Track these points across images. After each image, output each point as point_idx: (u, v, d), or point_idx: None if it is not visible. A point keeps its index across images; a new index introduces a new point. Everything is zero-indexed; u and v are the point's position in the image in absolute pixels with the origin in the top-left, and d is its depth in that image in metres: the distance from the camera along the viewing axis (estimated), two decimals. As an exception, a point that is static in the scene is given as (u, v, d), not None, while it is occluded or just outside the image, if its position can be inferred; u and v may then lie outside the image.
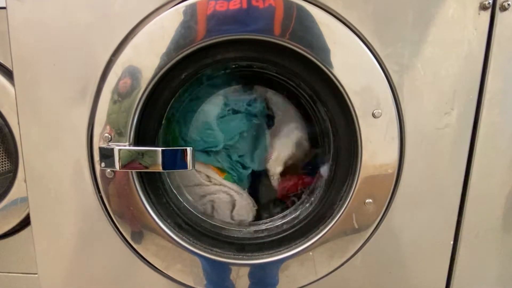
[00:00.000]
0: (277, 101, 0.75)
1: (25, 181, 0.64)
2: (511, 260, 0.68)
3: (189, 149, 0.59)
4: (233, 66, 0.66)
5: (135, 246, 0.65)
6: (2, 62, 0.73)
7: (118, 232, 0.65)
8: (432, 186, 0.63)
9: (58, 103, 0.60)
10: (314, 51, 0.55)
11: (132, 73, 0.56)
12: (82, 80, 0.59)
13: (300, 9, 0.54)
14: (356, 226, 0.62)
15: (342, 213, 0.62)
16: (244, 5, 0.54)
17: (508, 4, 0.55)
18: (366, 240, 0.64)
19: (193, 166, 0.60)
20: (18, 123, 0.62)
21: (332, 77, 0.56)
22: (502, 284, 0.69)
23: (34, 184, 0.64)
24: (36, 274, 0.70)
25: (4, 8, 0.57)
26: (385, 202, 0.62)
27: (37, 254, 0.68)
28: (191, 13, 0.54)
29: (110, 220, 0.64)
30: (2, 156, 0.81)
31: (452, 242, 0.66)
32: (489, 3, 0.55)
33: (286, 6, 0.54)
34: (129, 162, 0.57)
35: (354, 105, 0.57)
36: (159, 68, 0.56)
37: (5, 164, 0.81)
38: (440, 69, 0.57)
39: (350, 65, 0.56)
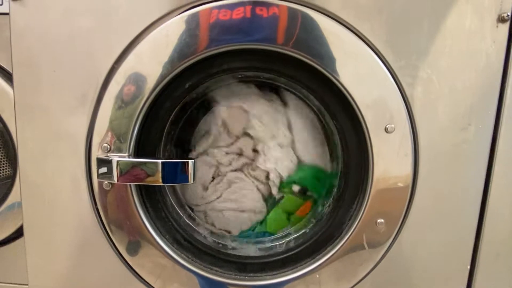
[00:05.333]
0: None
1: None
2: (533, 287, 0.64)
3: (190, 162, 0.56)
4: (240, 76, 0.64)
5: (130, 261, 0.62)
6: (5, 67, 0.72)
7: (113, 246, 0.63)
8: (447, 206, 0.59)
9: (57, 110, 0.59)
10: (320, 60, 0.53)
11: (136, 80, 0.55)
12: (82, 88, 0.58)
13: (305, 17, 0.52)
14: (366, 247, 0.58)
15: (352, 233, 0.58)
16: (248, 14, 0.53)
17: (528, 17, 0.53)
18: (376, 262, 0.60)
19: (194, 179, 0.57)
20: (16, 129, 0.61)
21: (341, 89, 0.54)
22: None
23: (29, 192, 0.63)
24: (27, 285, 0.68)
25: (7, 14, 0.57)
26: (398, 223, 0.58)
27: (28, 265, 0.66)
28: (194, 22, 0.53)
29: (105, 233, 0.62)
30: (3, 161, 0.80)
31: (469, 267, 0.62)
32: (508, 15, 0.53)
33: (290, 14, 0.52)
34: (128, 174, 0.55)
35: (366, 119, 0.54)
36: (162, 76, 0.55)
37: (5, 170, 0.80)
38: (457, 82, 0.55)
39: (361, 77, 0.54)
